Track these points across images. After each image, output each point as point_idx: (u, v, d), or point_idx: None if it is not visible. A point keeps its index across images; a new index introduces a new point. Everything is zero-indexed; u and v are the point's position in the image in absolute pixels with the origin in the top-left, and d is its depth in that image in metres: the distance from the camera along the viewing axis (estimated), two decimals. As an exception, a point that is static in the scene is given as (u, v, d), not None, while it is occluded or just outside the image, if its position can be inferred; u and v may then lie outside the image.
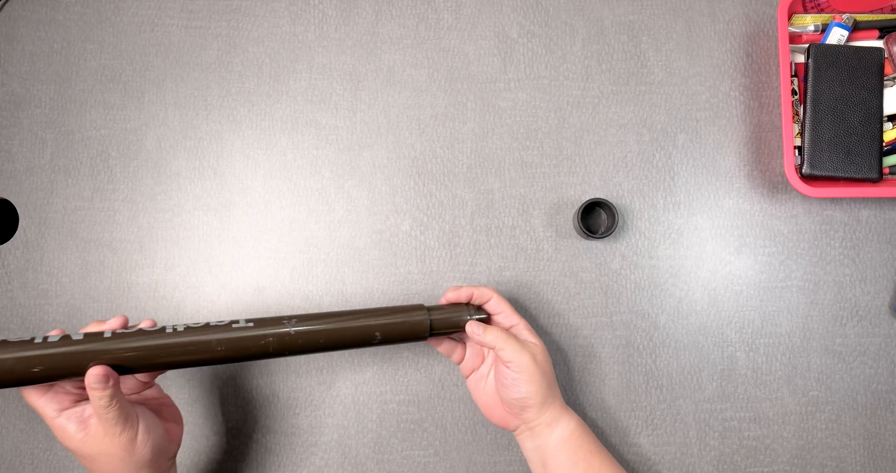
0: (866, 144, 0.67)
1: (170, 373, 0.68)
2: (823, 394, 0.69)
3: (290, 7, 0.72)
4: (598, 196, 0.69)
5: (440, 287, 0.69)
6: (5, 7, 0.72)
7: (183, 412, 0.67)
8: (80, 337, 0.49)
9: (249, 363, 0.68)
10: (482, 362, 0.62)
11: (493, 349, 0.58)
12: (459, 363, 0.63)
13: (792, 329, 0.69)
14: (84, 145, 0.70)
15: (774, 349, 0.69)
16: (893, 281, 0.70)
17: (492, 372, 0.61)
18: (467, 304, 0.61)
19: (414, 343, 0.68)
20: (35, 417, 0.67)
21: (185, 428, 0.67)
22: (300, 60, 0.71)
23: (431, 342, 0.61)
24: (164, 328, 0.50)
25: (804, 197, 0.70)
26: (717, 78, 0.72)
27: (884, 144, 0.68)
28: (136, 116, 0.70)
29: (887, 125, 0.69)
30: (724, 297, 0.69)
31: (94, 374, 0.47)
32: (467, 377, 0.62)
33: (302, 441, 0.67)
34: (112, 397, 0.47)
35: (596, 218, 0.71)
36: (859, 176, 0.67)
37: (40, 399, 0.49)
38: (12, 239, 0.69)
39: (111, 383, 0.47)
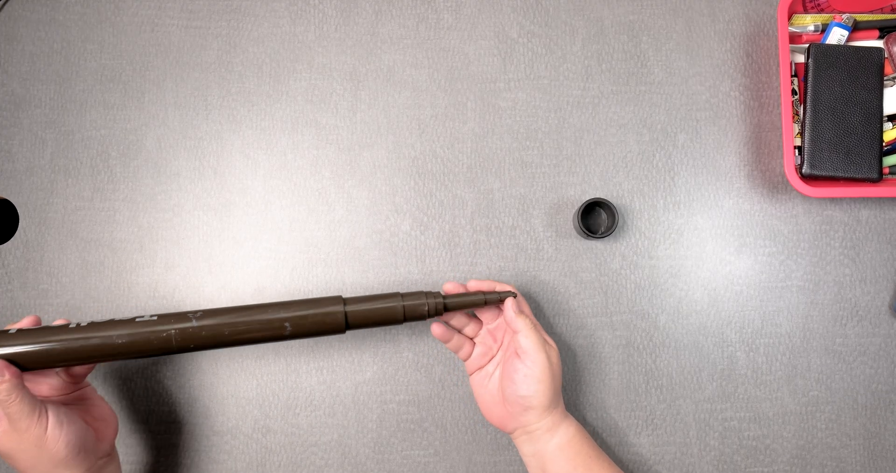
0: (866, 144, 0.67)
1: (167, 374, 0.68)
2: (823, 394, 0.69)
3: (290, 7, 0.72)
4: (598, 196, 0.69)
5: (440, 288, 0.69)
6: (5, 7, 0.72)
7: (181, 412, 0.67)
8: None
9: (249, 362, 0.68)
10: (490, 360, 0.62)
11: (517, 332, 0.58)
12: (466, 359, 0.62)
13: (792, 329, 0.69)
14: (84, 145, 0.70)
15: (774, 349, 0.69)
16: (893, 281, 0.70)
17: (497, 371, 0.61)
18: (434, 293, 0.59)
19: (414, 343, 0.68)
20: None
21: (185, 428, 0.67)
22: (300, 60, 0.71)
23: (440, 331, 0.61)
24: (68, 325, 0.51)
25: (804, 197, 0.70)
26: (717, 78, 0.72)
27: (884, 144, 0.68)
28: (136, 116, 0.70)
29: (887, 125, 0.69)
30: (724, 297, 0.69)
31: None
32: (471, 373, 0.62)
33: (302, 441, 0.67)
34: (10, 391, 0.49)
35: (596, 218, 0.71)
36: (859, 176, 0.67)
37: None
38: (12, 239, 0.69)
39: (7, 376, 0.49)
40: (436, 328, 0.61)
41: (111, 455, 0.57)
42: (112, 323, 0.51)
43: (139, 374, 0.68)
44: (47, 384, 0.55)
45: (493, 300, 0.59)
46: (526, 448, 0.59)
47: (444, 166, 0.70)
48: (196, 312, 0.53)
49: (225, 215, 0.70)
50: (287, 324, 0.54)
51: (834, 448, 0.68)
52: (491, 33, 0.72)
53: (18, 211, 0.69)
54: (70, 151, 0.70)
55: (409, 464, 0.67)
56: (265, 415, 0.68)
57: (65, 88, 0.71)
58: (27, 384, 0.53)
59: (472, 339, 0.63)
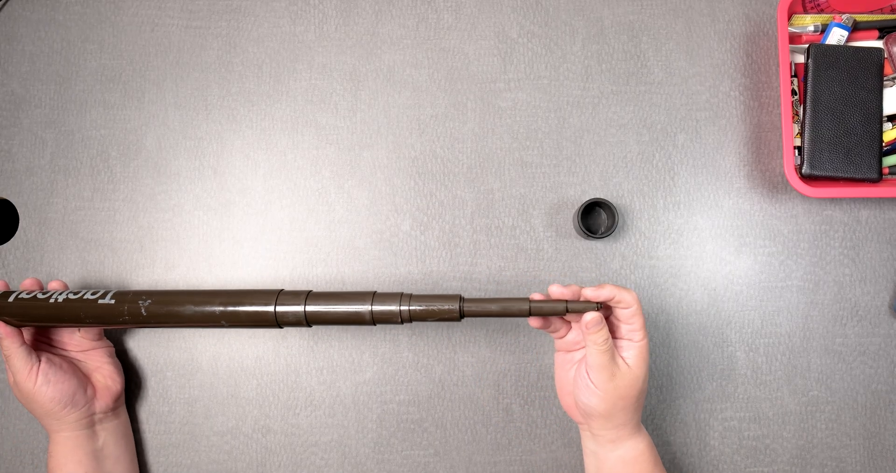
0: (866, 144, 0.67)
1: (168, 374, 0.68)
2: (823, 394, 0.69)
3: (290, 7, 0.72)
4: (598, 196, 0.69)
5: (440, 287, 0.69)
6: (5, 7, 0.72)
7: (182, 412, 0.67)
8: None
9: (248, 362, 0.68)
10: (579, 348, 0.60)
11: (585, 344, 0.56)
12: (560, 338, 0.60)
13: (792, 329, 0.69)
14: (84, 145, 0.70)
15: (774, 349, 0.69)
16: (893, 281, 0.70)
17: (579, 363, 0.59)
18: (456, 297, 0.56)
19: (414, 343, 0.68)
20: (35, 417, 0.67)
21: (185, 428, 0.67)
22: (300, 60, 0.71)
23: (537, 322, 0.58)
24: (50, 296, 0.58)
25: (804, 197, 0.70)
26: (717, 78, 0.72)
27: (884, 144, 0.68)
28: (136, 116, 0.70)
29: (887, 125, 0.69)
30: (723, 297, 0.69)
31: None
32: (558, 352, 0.61)
33: (302, 442, 0.67)
34: (9, 346, 0.58)
35: (596, 218, 0.71)
36: (859, 176, 0.67)
37: None
38: (12, 239, 0.69)
39: (3, 334, 0.58)
40: (533, 321, 0.58)
41: (114, 412, 0.64)
42: (80, 301, 0.58)
43: (139, 374, 0.68)
44: (68, 336, 0.63)
45: (563, 311, 0.55)
46: (587, 444, 0.59)
47: (444, 166, 0.70)
48: (146, 298, 0.57)
49: (225, 215, 0.70)
50: (223, 321, 0.57)
51: (834, 448, 0.68)
52: (491, 33, 0.72)
53: (18, 211, 0.69)
54: (70, 151, 0.70)
55: (409, 464, 0.67)
56: (265, 415, 0.68)
57: (65, 88, 0.71)
58: (48, 338, 0.63)
59: (569, 323, 0.60)
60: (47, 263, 0.69)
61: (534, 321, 0.58)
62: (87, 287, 0.64)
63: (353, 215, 0.70)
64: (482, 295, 0.69)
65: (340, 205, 0.70)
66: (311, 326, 0.57)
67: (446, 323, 0.68)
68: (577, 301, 0.55)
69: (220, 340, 0.68)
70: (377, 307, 0.55)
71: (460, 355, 0.68)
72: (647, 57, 0.72)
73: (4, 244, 0.69)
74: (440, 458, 0.67)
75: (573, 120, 0.71)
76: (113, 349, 0.66)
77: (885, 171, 0.68)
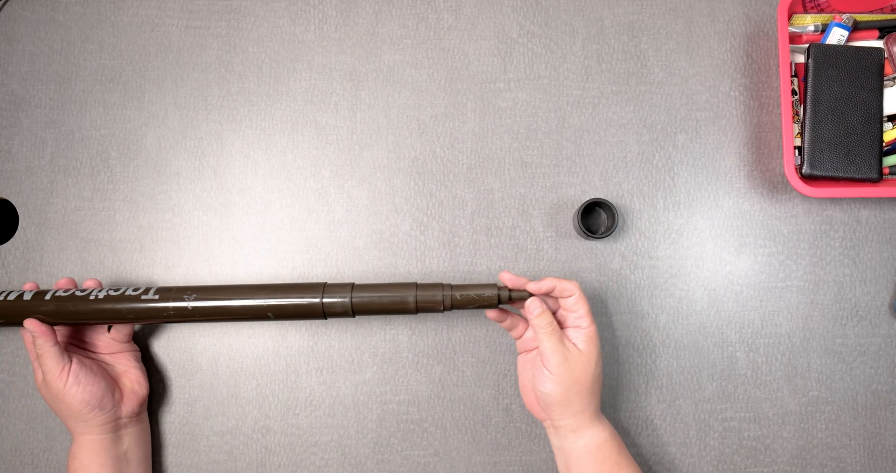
0: (866, 144, 0.67)
1: (168, 374, 0.68)
2: (823, 394, 0.69)
3: (290, 7, 0.72)
4: (598, 196, 0.69)
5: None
6: (5, 7, 0.72)
7: (182, 413, 0.67)
8: (29, 296, 0.59)
9: (248, 362, 0.68)
10: (536, 347, 0.62)
11: (535, 333, 0.58)
12: (518, 338, 0.63)
13: (792, 329, 0.69)
14: (84, 145, 0.70)
15: (774, 349, 0.69)
16: (893, 281, 0.70)
17: (538, 358, 0.60)
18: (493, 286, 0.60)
19: (414, 343, 0.68)
20: (35, 417, 0.67)
21: (185, 428, 0.67)
22: (300, 60, 0.71)
23: (494, 314, 0.61)
24: (89, 293, 0.59)
25: (804, 197, 0.70)
26: (717, 78, 0.72)
27: (884, 144, 0.68)
28: (136, 116, 0.70)
29: (887, 125, 0.69)
30: (723, 297, 0.69)
31: (26, 324, 0.58)
32: (520, 354, 0.63)
33: (302, 442, 0.67)
34: (43, 345, 0.58)
35: (596, 218, 0.71)
36: (859, 176, 0.67)
37: (30, 345, 0.60)
38: (12, 239, 0.69)
39: (38, 332, 0.58)
40: (490, 312, 0.61)
41: (138, 417, 0.64)
42: (123, 297, 0.59)
43: (139, 374, 0.68)
44: (98, 338, 0.63)
45: (507, 299, 0.59)
46: (553, 440, 0.60)
47: (444, 166, 0.70)
48: (191, 293, 0.59)
49: (225, 215, 0.70)
50: (270, 313, 0.59)
51: (834, 448, 0.68)
52: (491, 33, 0.72)
53: (18, 211, 0.69)
54: (70, 151, 0.70)
55: (409, 464, 0.67)
56: (265, 415, 0.68)
57: (65, 88, 0.71)
58: (77, 339, 0.63)
59: (526, 322, 0.63)
60: (47, 263, 0.69)
61: (490, 313, 0.61)
62: (114, 285, 0.64)
63: (353, 215, 0.70)
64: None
65: (340, 205, 0.70)
66: (355, 316, 0.59)
67: (446, 323, 0.69)
68: (519, 289, 0.59)
69: (219, 340, 0.68)
70: (421, 294, 0.58)
71: (460, 355, 0.69)
72: (647, 57, 0.72)
73: (4, 244, 0.69)
74: (440, 458, 0.67)
75: (573, 120, 0.71)
76: (139, 354, 0.66)
77: (886, 171, 0.68)
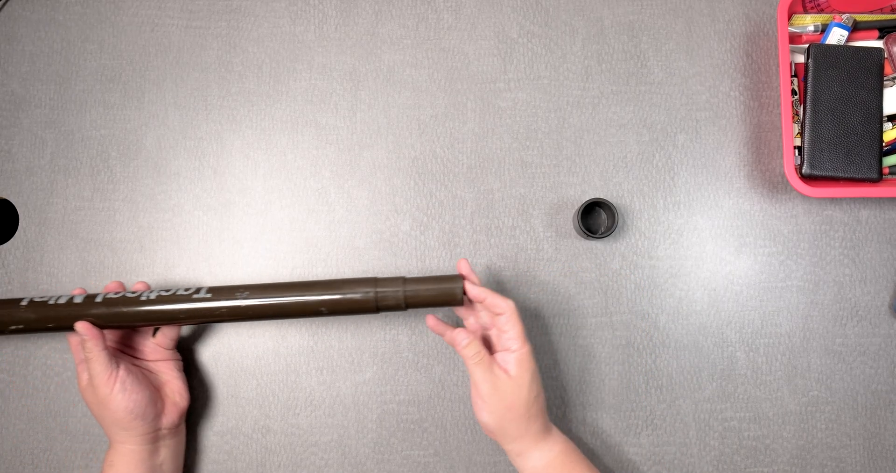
0: (866, 144, 0.67)
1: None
2: (823, 394, 0.69)
3: (290, 7, 0.72)
4: (598, 196, 0.69)
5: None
6: (5, 7, 0.72)
7: (183, 412, 0.67)
8: (79, 300, 0.59)
9: (248, 362, 0.68)
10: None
11: (465, 363, 0.58)
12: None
13: (792, 329, 0.69)
14: (84, 145, 0.70)
15: (774, 349, 0.69)
16: (893, 281, 0.70)
17: None
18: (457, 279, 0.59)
19: (414, 343, 0.68)
20: (35, 417, 0.67)
21: (185, 428, 0.67)
22: (300, 60, 0.71)
23: (434, 328, 0.61)
24: (140, 295, 0.59)
25: (804, 197, 0.70)
26: (717, 78, 0.72)
27: (884, 144, 0.68)
28: (136, 116, 0.70)
29: (887, 125, 0.69)
30: (724, 297, 0.69)
31: (77, 326, 0.57)
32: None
33: (302, 441, 0.67)
34: (92, 349, 0.57)
35: (596, 218, 0.71)
36: (859, 176, 0.67)
37: (75, 347, 0.60)
38: (12, 239, 0.69)
39: (89, 336, 0.57)
40: (430, 319, 0.62)
41: (176, 429, 0.63)
42: (174, 297, 0.59)
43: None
44: (143, 344, 0.62)
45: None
46: (510, 460, 0.60)
47: (444, 166, 0.70)
48: (244, 291, 0.59)
49: (225, 215, 0.70)
50: (323, 308, 0.59)
51: (834, 448, 0.68)
52: (491, 33, 0.72)
53: (18, 211, 0.69)
54: (70, 151, 0.70)
55: (409, 464, 0.67)
56: (265, 415, 0.68)
57: (65, 88, 0.71)
58: (124, 347, 0.62)
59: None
60: (47, 263, 0.69)
61: (430, 321, 0.62)
62: (118, 284, 0.64)
63: (353, 215, 0.70)
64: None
65: (340, 205, 0.70)
66: (407, 309, 0.59)
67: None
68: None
69: (219, 340, 0.68)
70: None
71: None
72: (647, 57, 0.72)
73: (4, 244, 0.69)
74: (440, 458, 0.67)
75: (573, 120, 0.71)
76: (182, 364, 0.65)
77: (885, 171, 0.68)
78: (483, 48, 0.72)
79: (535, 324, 0.69)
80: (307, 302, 0.58)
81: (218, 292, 0.59)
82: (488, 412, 0.57)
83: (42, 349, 0.68)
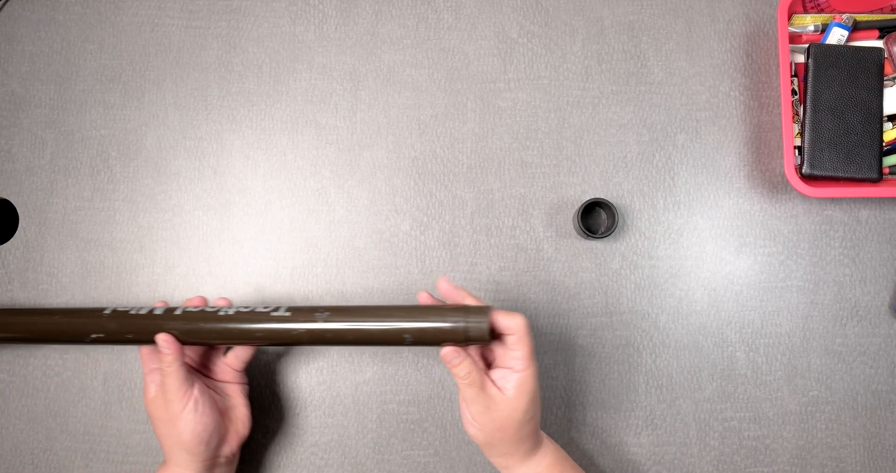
0: (866, 144, 0.67)
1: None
2: (823, 394, 0.69)
3: (290, 7, 0.72)
4: (598, 196, 0.69)
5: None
6: (5, 7, 0.72)
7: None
8: (160, 312, 0.57)
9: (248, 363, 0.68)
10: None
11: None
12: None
13: (792, 329, 0.69)
14: (84, 145, 0.70)
15: (774, 349, 0.69)
16: (893, 281, 0.70)
17: None
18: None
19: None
20: (35, 417, 0.67)
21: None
22: (300, 60, 0.71)
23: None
24: (219, 311, 0.57)
25: (804, 197, 0.70)
26: (717, 78, 0.72)
27: (884, 144, 0.68)
28: (136, 116, 0.70)
29: (887, 125, 0.69)
30: (724, 297, 0.69)
31: (158, 339, 0.55)
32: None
33: (302, 441, 0.67)
34: (171, 362, 0.54)
35: (596, 218, 0.71)
36: (859, 176, 0.67)
37: (146, 357, 0.58)
38: (12, 239, 0.69)
39: (171, 349, 0.55)
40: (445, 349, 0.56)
41: (232, 458, 0.60)
42: (252, 314, 0.56)
43: (139, 374, 0.68)
44: (215, 363, 0.60)
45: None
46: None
47: (444, 166, 0.70)
48: (324, 311, 0.55)
49: (225, 215, 0.70)
50: (407, 335, 0.54)
51: (834, 448, 0.68)
52: (491, 33, 0.72)
53: (18, 211, 0.69)
54: (70, 151, 0.70)
55: (409, 464, 0.67)
56: (265, 415, 0.68)
57: (65, 88, 0.71)
58: (201, 367, 0.60)
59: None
60: (47, 263, 0.69)
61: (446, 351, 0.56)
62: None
63: (353, 215, 0.70)
64: (482, 295, 0.69)
65: (340, 205, 0.70)
66: (491, 341, 0.54)
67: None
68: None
69: (220, 340, 0.68)
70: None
71: (460, 355, 0.68)
72: (647, 57, 0.72)
73: (4, 244, 0.69)
74: (440, 458, 0.67)
75: (573, 120, 0.71)
76: (248, 389, 0.62)
77: (885, 171, 0.68)
78: (483, 48, 0.72)
79: (535, 324, 0.69)
80: (390, 330, 0.54)
81: (297, 311, 0.55)
82: (477, 430, 0.55)
83: (42, 350, 0.68)
